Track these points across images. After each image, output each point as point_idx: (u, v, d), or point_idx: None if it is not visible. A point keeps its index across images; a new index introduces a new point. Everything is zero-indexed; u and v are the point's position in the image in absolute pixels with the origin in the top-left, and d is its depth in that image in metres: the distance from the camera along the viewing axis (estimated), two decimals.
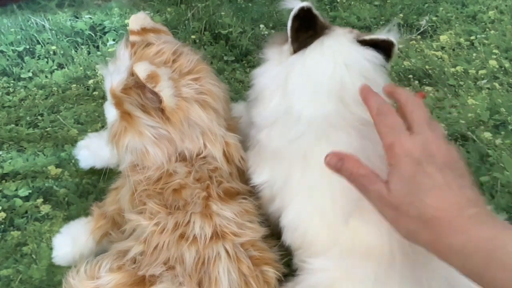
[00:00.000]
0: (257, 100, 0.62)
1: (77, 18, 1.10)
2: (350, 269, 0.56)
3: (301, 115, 0.57)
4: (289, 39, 0.59)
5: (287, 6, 0.58)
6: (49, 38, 1.05)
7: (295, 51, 0.59)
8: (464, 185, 0.50)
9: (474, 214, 0.47)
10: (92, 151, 0.79)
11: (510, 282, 0.43)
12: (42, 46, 1.04)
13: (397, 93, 0.55)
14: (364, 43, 0.59)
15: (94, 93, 0.95)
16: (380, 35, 0.59)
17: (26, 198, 0.78)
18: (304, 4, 0.57)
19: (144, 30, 0.65)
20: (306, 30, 0.59)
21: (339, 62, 0.57)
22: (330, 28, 0.60)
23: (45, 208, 0.77)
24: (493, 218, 0.47)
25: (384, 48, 0.59)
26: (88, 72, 0.99)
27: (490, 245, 0.44)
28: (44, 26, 1.08)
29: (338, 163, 0.53)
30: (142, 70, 0.56)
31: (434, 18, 1.13)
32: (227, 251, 0.59)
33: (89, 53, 1.03)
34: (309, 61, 0.58)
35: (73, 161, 0.83)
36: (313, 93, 0.57)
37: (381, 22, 1.11)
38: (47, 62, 1.01)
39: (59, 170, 0.82)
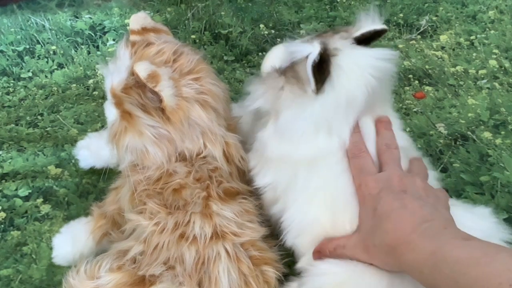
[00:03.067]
0: (288, 138, 0.60)
1: (77, 18, 1.10)
2: (357, 274, 0.56)
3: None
4: (313, 84, 0.55)
5: (300, 54, 0.55)
6: (49, 38, 1.05)
7: (319, 90, 0.56)
8: (423, 205, 0.52)
9: (425, 229, 0.49)
10: (92, 151, 0.79)
11: None
12: (42, 46, 1.04)
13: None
14: (361, 40, 0.58)
15: (94, 93, 0.95)
16: (371, 25, 0.58)
17: (26, 198, 0.78)
18: (318, 47, 0.54)
19: (144, 30, 0.65)
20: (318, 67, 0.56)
21: (368, 77, 0.56)
22: (337, 54, 0.57)
23: (45, 208, 0.77)
24: (444, 230, 0.49)
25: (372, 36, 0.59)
26: (88, 72, 0.99)
27: (434, 258, 0.47)
28: (44, 26, 1.08)
29: (320, 257, 0.58)
30: (142, 70, 0.56)
31: (434, 18, 1.13)
32: (227, 251, 0.59)
33: (89, 53, 1.03)
34: (341, 92, 0.56)
35: (73, 161, 0.83)
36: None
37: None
38: (47, 62, 1.01)
39: (59, 170, 0.82)
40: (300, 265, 0.62)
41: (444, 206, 0.56)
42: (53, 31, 1.07)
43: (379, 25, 0.58)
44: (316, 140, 0.58)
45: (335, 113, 0.57)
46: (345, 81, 0.56)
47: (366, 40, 0.59)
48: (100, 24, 1.09)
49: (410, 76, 0.99)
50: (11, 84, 0.96)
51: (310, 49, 0.54)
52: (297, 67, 0.58)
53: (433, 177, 0.63)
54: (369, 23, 0.59)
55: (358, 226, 0.56)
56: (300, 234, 0.61)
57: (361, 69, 0.56)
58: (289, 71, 0.59)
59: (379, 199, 0.54)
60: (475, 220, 0.59)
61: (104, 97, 0.80)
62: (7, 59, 1.01)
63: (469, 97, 0.95)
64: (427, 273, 0.47)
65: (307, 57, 0.55)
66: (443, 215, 0.53)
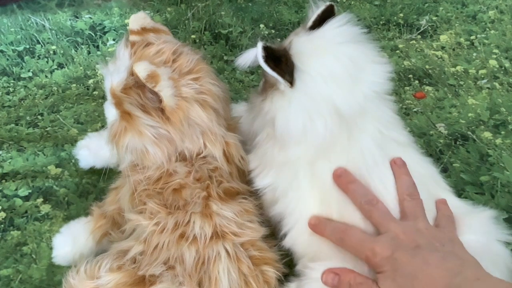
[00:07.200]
0: (292, 142, 0.60)
1: (77, 18, 1.10)
2: None
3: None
4: (280, 79, 0.56)
5: (248, 59, 0.57)
6: (49, 38, 1.05)
7: (292, 82, 0.57)
8: (443, 256, 0.51)
9: (459, 283, 0.48)
10: (92, 151, 0.79)
11: None
12: (42, 46, 1.04)
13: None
14: (316, 25, 0.59)
15: (94, 92, 0.95)
16: (317, 11, 0.60)
17: (26, 198, 0.78)
18: (261, 44, 0.55)
19: (144, 30, 0.65)
20: (276, 63, 0.57)
21: (327, 46, 0.58)
22: (290, 46, 0.59)
23: (45, 208, 0.77)
24: (477, 281, 0.48)
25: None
26: (88, 72, 0.99)
27: None
28: (44, 26, 1.08)
29: (335, 279, 0.55)
30: (142, 70, 0.56)
31: (434, 18, 1.13)
32: (227, 251, 0.59)
33: (89, 53, 1.03)
34: (312, 72, 0.57)
35: (73, 161, 0.83)
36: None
37: (381, 22, 1.11)
38: (47, 62, 1.01)
39: (59, 170, 0.82)
40: (299, 267, 0.62)
41: (461, 246, 0.53)
42: (53, 31, 1.07)
43: (322, 7, 0.60)
44: (316, 128, 0.58)
45: (319, 93, 0.57)
46: (308, 61, 0.57)
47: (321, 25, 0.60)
48: (100, 24, 1.09)
49: (410, 76, 0.99)
50: (11, 84, 0.96)
51: (255, 50, 0.56)
52: (265, 76, 0.60)
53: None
54: (316, 11, 0.60)
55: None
56: (300, 235, 0.61)
57: (315, 44, 0.58)
58: (265, 84, 0.61)
59: (395, 260, 0.51)
60: (474, 221, 0.59)
61: (104, 97, 0.80)
62: (7, 59, 1.01)
63: (469, 97, 0.95)
64: None
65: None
66: (467, 261, 0.51)
